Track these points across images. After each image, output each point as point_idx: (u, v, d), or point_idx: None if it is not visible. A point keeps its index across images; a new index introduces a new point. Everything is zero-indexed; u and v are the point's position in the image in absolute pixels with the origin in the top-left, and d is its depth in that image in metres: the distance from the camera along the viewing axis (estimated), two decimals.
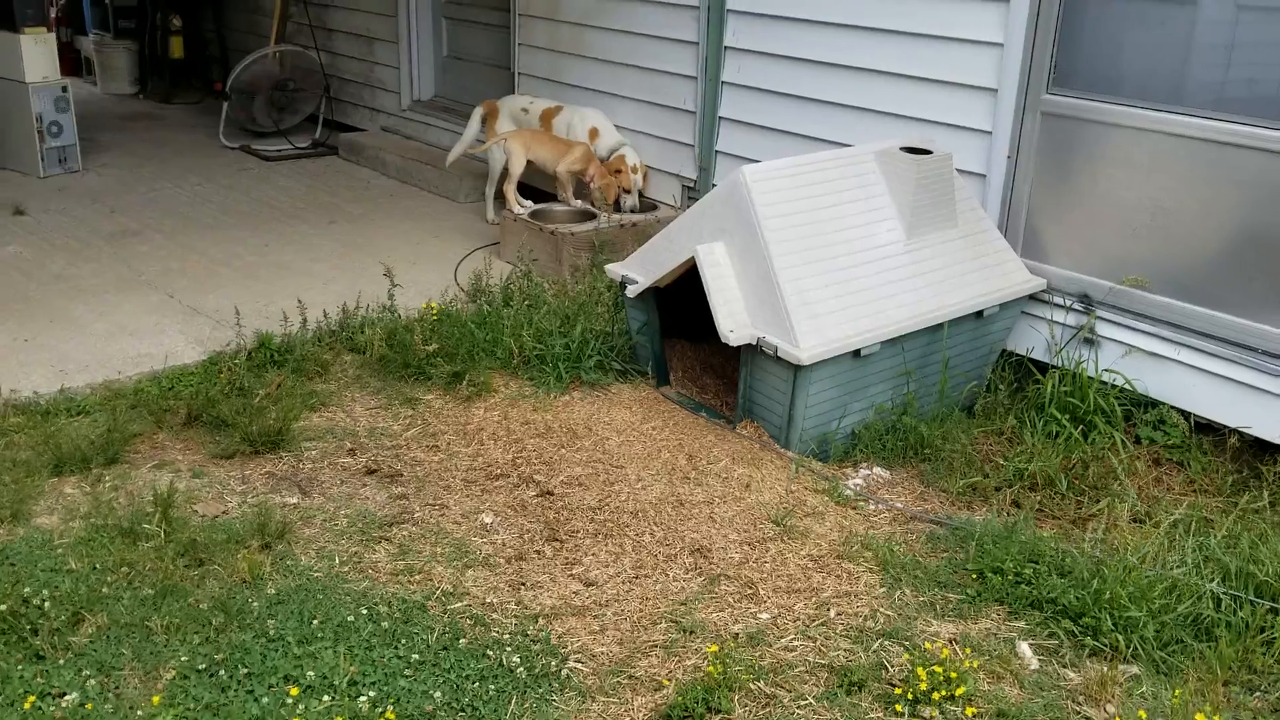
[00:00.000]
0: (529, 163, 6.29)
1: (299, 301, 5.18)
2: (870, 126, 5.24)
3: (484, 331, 5.01)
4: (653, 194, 6.49)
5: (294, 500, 3.88)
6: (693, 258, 4.21)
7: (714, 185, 6.09)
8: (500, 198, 6.48)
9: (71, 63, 11.51)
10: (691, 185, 6.25)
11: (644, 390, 4.70)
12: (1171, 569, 3.42)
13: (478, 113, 6.95)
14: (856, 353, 4.07)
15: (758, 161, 5.63)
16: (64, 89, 7.73)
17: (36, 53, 7.49)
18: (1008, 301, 4.57)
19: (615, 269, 4.67)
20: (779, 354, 3.97)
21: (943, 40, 4.87)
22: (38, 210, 6.84)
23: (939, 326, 4.32)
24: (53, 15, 11.54)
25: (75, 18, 11.41)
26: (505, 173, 6.29)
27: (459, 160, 7.04)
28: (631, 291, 4.49)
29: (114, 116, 9.69)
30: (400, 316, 5.21)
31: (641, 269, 4.57)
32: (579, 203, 6.33)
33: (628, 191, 6.25)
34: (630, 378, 4.78)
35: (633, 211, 6.21)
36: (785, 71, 5.57)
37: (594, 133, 6.45)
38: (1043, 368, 4.66)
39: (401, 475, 4.06)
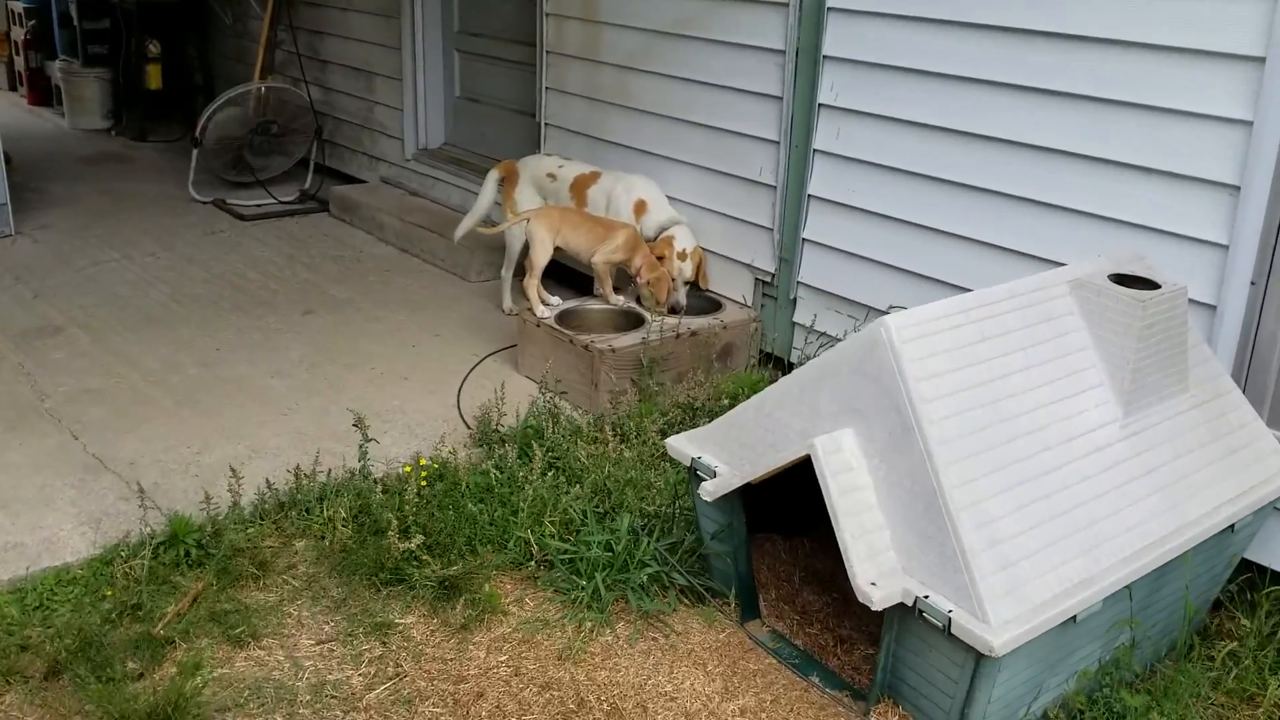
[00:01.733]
0: (558, 248, 4.85)
1: (235, 469, 3.74)
2: (1032, 225, 3.76)
3: (489, 510, 3.56)
4: (716, 288, 5.03)
5: None
6: (804, 453, 2.75)
7: (799, 283, 4.62)
8: (521, 281, 5.05)
9: (41, 92, 10.24)
10: (768, 280, 4.79)
11: (723, 628, 3.21)
12: None
13: (493, 177, 5.52)
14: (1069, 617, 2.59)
15: (858, 257, 4.19)
16: None
17: None
18: (1262, 506, 3.08)
19: (683, 447, 3.19)
20: (953, 629, 2.50)
21: (1156, 112, 3.40)
22: None
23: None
24: (21, 37, 10.25)
25: (47, 41, 10.09)
26: (527, 262, 4.85)
27: (470, 231, 5.60)
28: (709, 491, 3.02)
29: (75, 159, 8.33)
30: (376, 481, 3.77)
31: (722, 450, 3.10)
32: (620, 299, 4.88)
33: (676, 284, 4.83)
34: (701, 602, 3.31)
35: (675, 312, 4.76)
36: (906, 141, 4.11)
37: (640, 206, 5.01)
38: None
39: None
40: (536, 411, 4.19)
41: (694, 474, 3.14)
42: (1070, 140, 3.61)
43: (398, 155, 7.14)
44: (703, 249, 4.92)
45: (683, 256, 4.81)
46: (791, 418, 2.89)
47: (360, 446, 3.75)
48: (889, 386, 2.69)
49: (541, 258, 4.74)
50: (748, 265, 4.87)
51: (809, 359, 4.24)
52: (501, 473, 3.76)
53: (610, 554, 3.33)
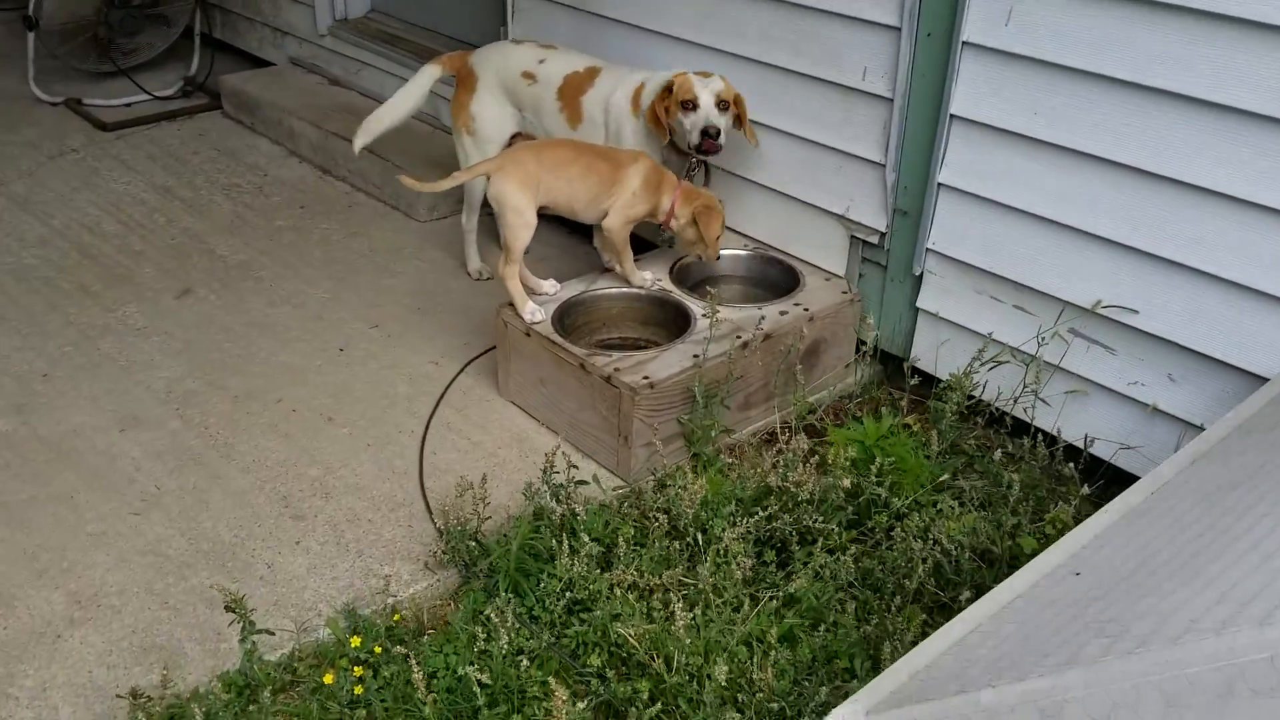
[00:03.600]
0: (543, 207, 3.12)
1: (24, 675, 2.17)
2: None
3: None
4: (792, 248, 3.37)
5: None
6: None
7: (929, 251, 2.98)
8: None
9: None
10: (875, 242, 3.13)
11: None
12: None
13: (428, 73, 3.71)
14: None
15: (1038, 219, 2.59)
16: None
17: None
18: None
19: None
20: None
21: None
22: None
23: None
24: None
25: None
26: (502, 241, 3.11)
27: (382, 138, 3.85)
28: None
29: None
30: (267, 677, 2.22)
31: None
32: (648, 277, 3.23)
33: (711, 148, 3.17)
34: None
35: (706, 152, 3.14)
36: (1135, 32, 2.41)
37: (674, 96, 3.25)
38: None
39: None
40: (541, 499, 2.60)
41: None
42: None
43: (309, 28, 5.25)
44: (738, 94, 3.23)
45: (723, 102, 3.16)
46: None
47: (242, 636, 2.17)
48: None
49: (520, 236, 3.01)
50: (840, 218, 3.20)
51: (960, 379, 2.66)
52: (487, 651, 2.20)
53: None
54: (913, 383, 2.97)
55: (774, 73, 3.22)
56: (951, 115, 2.80)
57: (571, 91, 3.46)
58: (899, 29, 2.85)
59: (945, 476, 2.64)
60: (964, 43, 2.71)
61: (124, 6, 5.31)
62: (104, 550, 2.61)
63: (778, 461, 2.69)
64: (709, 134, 3.13)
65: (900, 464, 2.62)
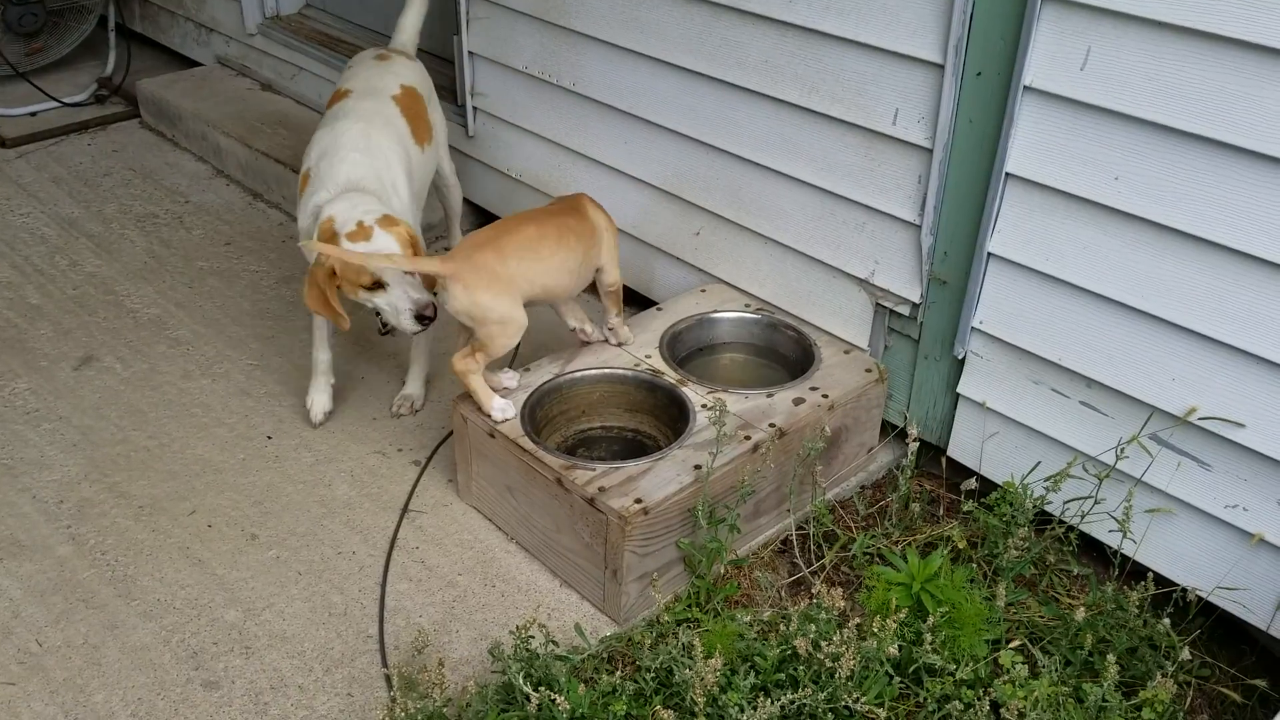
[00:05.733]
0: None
1: None
2: None
3: None
4: (805, 312, 2.86)
5: None
6: None
7: (974, 330, 2.48)
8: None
9: None
10: (906, 313, 2.62)
11: None
12: None
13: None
14: None
15: (1116, 304, 2.10)
16: None
17: None
18: None
19: None
20: None
21: None
22: None
23: None
24: None
25: None
26: (472, 345, 2.52)
27: None
28: None
29: None
30: None
31: None
32: (627, 335, 2.72)
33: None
34: None
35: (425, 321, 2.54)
36: (1235, 85, 1.91)
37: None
38: None
39: None
40: (511, 675, 2.08)
41: None
42: None
43: (236, 25, 4.62)
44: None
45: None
46: None
47: None
48: None
49: (508, 344, 2.45)
50: (863, 282, 2.68)
51: (1018, 493, 2.20)
52: None
53: None
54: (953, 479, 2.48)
55: (783, 109, 2.68)
56: (1007, 173, 2.29)
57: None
58: (941, 66, 2.32)
59: (1005, 629, 2.16)
60: (1025, 87, 2.19)
61: (22, 3, 4.64)
62: None
63: (799, 602, 2.19)
64: (424, 317, 2.50)
65: (955, 614, 2.13)
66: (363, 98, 2.86)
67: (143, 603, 2.39)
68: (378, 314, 2.61)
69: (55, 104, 4.72)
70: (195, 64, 4.93)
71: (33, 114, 4.67)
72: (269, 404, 3.02)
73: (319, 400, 2.91)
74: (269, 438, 2.90)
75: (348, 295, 2.50)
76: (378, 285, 2.47)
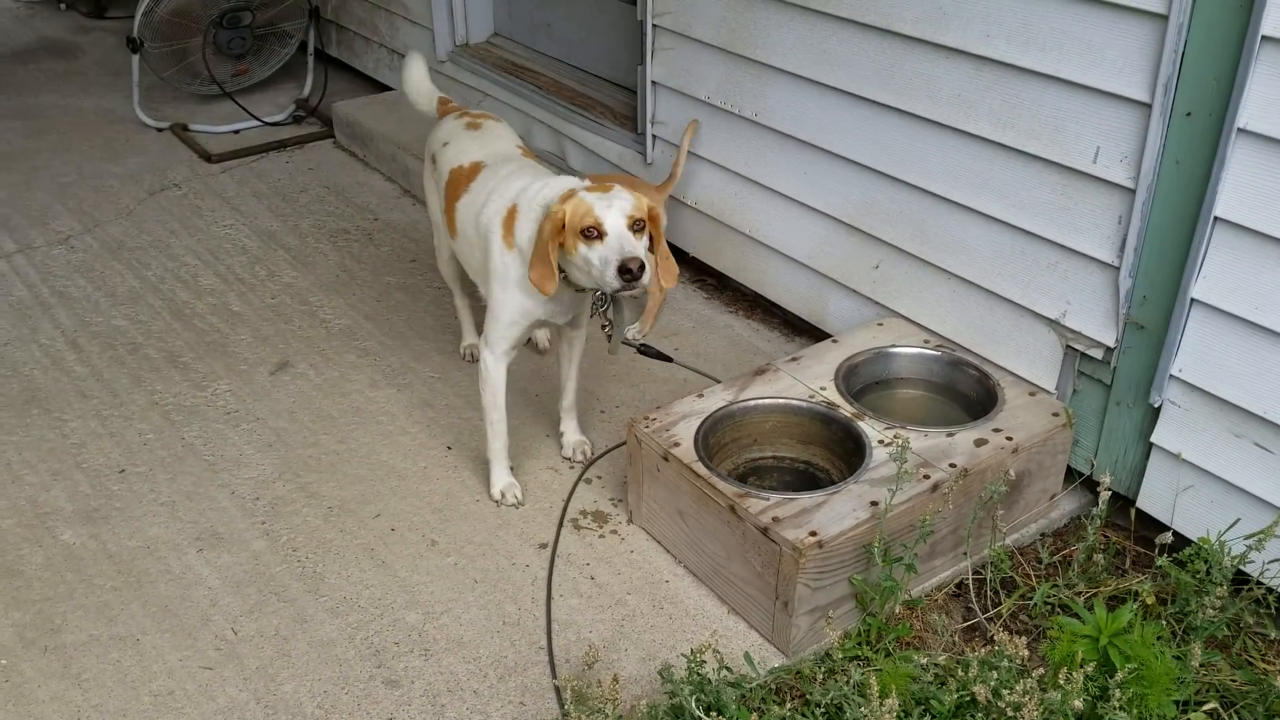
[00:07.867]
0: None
1: None
2: None
3: None
4: (990, 352, 2.80)
5: None
6: None
7: (1172, 378, 2.38)
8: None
9: None
10: (1099, 357, 2.54)
11: None
12: None
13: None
14: None
15: None
16: None
17: None
18: None
19: None
20: None
21: None
22: None
23: None
24: None
25: None
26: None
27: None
28: None
29: None
30: None
31: None
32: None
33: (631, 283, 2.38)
34: None
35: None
36: None
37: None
38: None
39: None
40: (682, 698, 2.10)
41: None
42: None
43: (428, 53, 4.82)
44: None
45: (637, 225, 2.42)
46: None
47: None
48: None
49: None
50: (1053, 323, 2.61)
51: (1215, 552, 2.10)
52: None
53: None
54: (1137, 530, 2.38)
55: (974, 144, 2.65)
56: (1216, 218, 2.20)
57: (452, 192, 2.83)
58: (1148, 105, 2.25)
59: (1195, 690, 2.06)
60: (1239, 129, 2.11)
61: (233, 26, 4.96)
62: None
63: (975, 648, 2.14)
64: (628, 271, 2.35)
65: (1144, 671, 2.05)
66: (502, 163, 2.80)
67: (330, 599, 2.51)
68: (594, 312, 2.67)
69: (257, 123, 5.01)
70: (387, 89, 5.17)
71: (236, 132, 4.98)
72: (449, 416, 3.13)
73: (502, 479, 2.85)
74: (448, 448, 3.00)
75: (568, 254, 2.46)
76: (598, 235, 2.40)
